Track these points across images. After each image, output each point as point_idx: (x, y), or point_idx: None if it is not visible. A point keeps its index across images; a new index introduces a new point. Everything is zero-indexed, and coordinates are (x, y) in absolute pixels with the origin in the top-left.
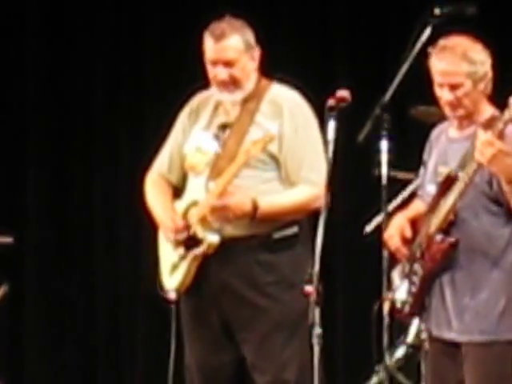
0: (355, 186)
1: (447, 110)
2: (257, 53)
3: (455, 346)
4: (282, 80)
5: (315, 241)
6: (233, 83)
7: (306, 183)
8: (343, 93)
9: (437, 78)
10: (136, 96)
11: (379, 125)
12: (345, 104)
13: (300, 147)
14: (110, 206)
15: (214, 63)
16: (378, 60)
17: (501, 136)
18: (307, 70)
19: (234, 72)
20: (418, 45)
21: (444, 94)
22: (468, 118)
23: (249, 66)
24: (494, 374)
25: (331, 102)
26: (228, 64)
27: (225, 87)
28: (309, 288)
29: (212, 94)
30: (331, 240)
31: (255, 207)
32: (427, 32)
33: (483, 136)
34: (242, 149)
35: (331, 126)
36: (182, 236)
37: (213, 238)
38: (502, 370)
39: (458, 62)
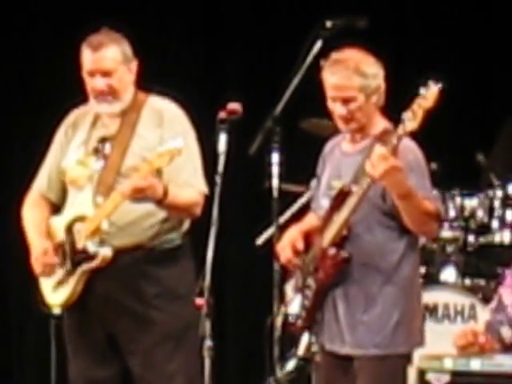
0: (246, 199)
1: (340, 124)
2: (134, 65)
3: (348, 359)
4: (159, 93)
5: (206, 253)
6: (111, 94)
7: (188, 187)
8: (234, 105)
9: (329, 92)
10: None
11: (270, 137)
12: (236, 117)
13: (180, 156)
14: None
15: (92, 74)
16: (270, 73)
17: (394, 151)
18: (198, 83)
19: (111, 82)
20: (310, 58)
21: (337, 108)
22: (361, 132)
23: (126, 77)
24: None
25: (222, 114)
26: (106, 74)
27: (103, 98)
28: (200, 300)
29: (90, 109)
30: (222, 252)
31: (165, 193)
32: (318, 45)
33: (378, 150)
34: (145, 160)
35: (222, 138)
36: (53, 260)
37: (106, 252)
38: (394, 382)
39: (350, 76)
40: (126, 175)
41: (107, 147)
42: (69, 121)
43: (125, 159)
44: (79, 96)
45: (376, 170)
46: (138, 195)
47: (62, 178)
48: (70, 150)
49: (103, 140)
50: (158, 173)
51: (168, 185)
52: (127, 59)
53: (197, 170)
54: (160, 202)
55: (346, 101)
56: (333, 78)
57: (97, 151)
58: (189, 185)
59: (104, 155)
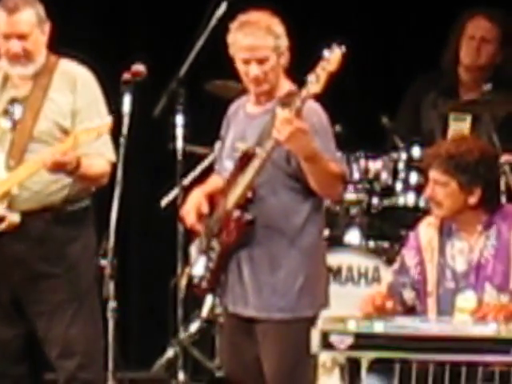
0: (150, 160)
1: (252, 86)
2: (47, 27)
3: (251, 322)
4: (69, 55)
5: (110, 215)
6: (26, 56)
7: (98, 156)
8: (139, 67)
9: (242, 54)
10: None
11: (175, 99)
12: (140, 78)
13: (91, 122)
14: None
15: (7, 36)
16: (174, 34)
17: (299, 114)
18: (103, 45)
19: (27, 45)
20: (214, 20)
21: (252, 70)
22: (267, 94)
23: (40, 39)
24: (292, 350)
25: (126, 76)
26: (21, 37)
27: (18, 61)
28: (103, 262)
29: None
30: (126, 214)
31: (78, 164)
32: (223, 7)
33: (281, 114)
34: (72, 134)
35: (126, 99)
36: None
37: (14, 218)
38: (300, 346)
39: (264, 37)
40: (38, 139)
41: (17, 109)
42: None
43: (37, 123)
44: None
45: (281, 134)
46: (57, 168)
47: None
48: None
49: (13, 101)
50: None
51: (81, 157)
52: (41, 21)
53: (106, 139)
54: (71, 174)
55: (260, 61)
56: (246, 39)
57: (6, 113)
58: (99, 153)
59: (14, 117)
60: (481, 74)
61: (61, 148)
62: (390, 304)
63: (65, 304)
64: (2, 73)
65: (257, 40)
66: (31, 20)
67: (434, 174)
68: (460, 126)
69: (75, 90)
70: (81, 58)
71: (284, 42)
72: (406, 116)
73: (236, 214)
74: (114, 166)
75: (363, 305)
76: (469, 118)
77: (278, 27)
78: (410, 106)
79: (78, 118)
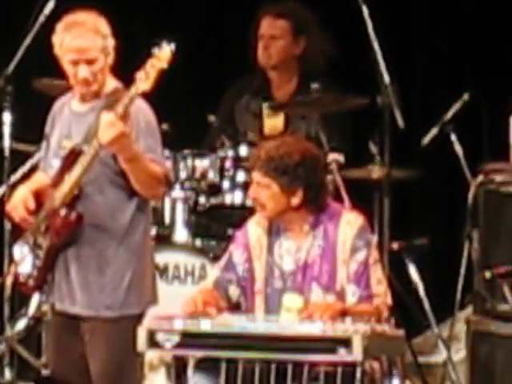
0: None
1: (81, 87)
2: None
3: (78, 319)
4: None
5: None
6: None
7: None
8: None
9: (70, 55)
10: None
11: (2, 97)
12: None
13: None
14: None
15: None
16: (1, 31)
17: (123, 116)
18: None
19: None
20: (42, 17)
21: (81, 71)
22: (93, 92)
23: None
24: (119, 348)
25: None
26: None
27: None
28: None
29: None
30: None
31: None
32: (51, 4)
33: (106, 117)
34: None
35: None
36: None
37: None
38: (127, 344)
39: (92, 38)
40: None
41: None
42: None
43: None
44: None
45: (104, 137)
46: None
47: None
48: None
49: None
50: None
51: None
52: None
53: None
54: None
55: (89, 62)
56: (75, 41)
57: None
58: None
59: None
60: (284, 71)
61: None
62: (212, 311)
63: None
64: None
65: (86, 41)
66: None
67: (256, 176)
68: (274, 121)
69: None
70: None
71: (111, 42)
72: (223, 117)
73: (63, 211)
74: None
75: (186, 306)
76: (282, 114)
77: (105, 27)
78: (223, 112)
79: None
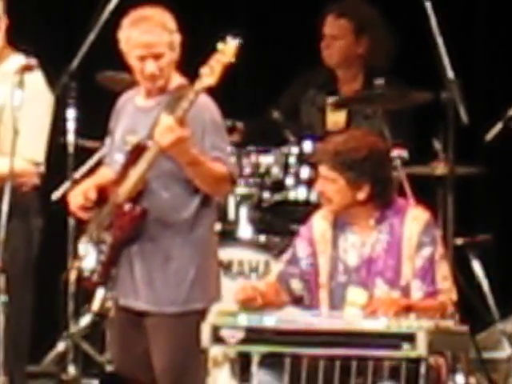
0: None
1: (147, 82)
2: (3, 23)
3: (142, 315)
4: (26, 52)
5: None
6: None
7: (20, 156)
8: (30, 60)
9: (137, 51)
10: None
11: (66, 93)
12: (31, 71)
13: (24, 119)
14: None
15: None
16: (65, 27)
17: (182, 121)
18: None
19: None
20: (105, 13)
21: (148, 66)
22: (159, 88)
23: None
24: (182, 344)
25: (17, 69)
26: None
27: None
28: None
29: None
30: None
31: None
32: (115, 0)
33: (165, 121)
34: None
35: (17, 94)
36: None
37: None
38: (190, 340)
39: (159, 33)
40: None
41: None
42: None
43: None
44: None
45: (163, 141)
46: None
47: None
48: None
49: None
50: None
51: None
52: None
53: (37, 139)
54: None
55: (156, 57)
56: (143, 36)
57: None
58: (21, 155)
59: None
60: (347, 69)
61: None
62: (259, 300)
63: None
64: None
65: (153, 37)
66: None
67: (322, 170)
68: (336, 117)
69: (6, 85)
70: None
71: (177, 38)
72: (286, 111)
73: (127, 206)
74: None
75: (237, 294)
76: (344, 111)
77: (171, 23)
78: (291, 102)
79: (5, 114)
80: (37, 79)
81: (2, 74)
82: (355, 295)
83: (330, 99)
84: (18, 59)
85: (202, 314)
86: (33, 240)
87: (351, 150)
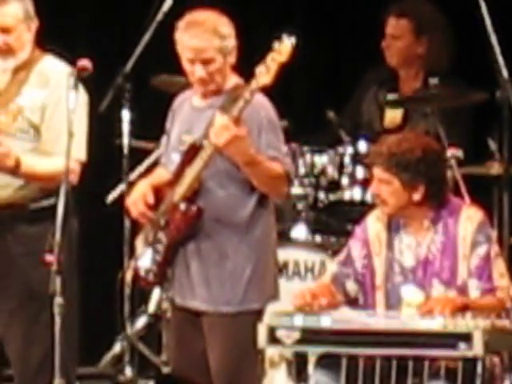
0: (97, 156)
1: (198, 86)
2: (34, 24)
3: (198, 315)
4: (56, 53)
5: (56, 210)
6: (7, 50)
7: (63, 155)
8: (84, 62)
9: (187, 54)
10: None
11: (121, 94)
12: (86, 73)
13: (61, 119)
14: None
15: None
16: (119, 29)
17: (238, 120)
18: (47, 38)
19: (9, 39)
20: (160, 15)
21: (196, 70)
22: (213, 90)
23: (25, 35)
24: (238, 344)
25: (72, 71)
26: (5, 30)
27: None
28: (50, 257)
29: None
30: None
31: (18, 164)
32: (169, 2)
33: (220, 120)
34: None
35: (72, 95)
36: None
37: None
38: (246, 340)
39: (209, 38)
40: (7, 133)
41: None
42: None
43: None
44: None
45: (219, 140)
46: None
47: None
48: None
49: None
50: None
51: (20, 156)
52: (28, 17)
53: (76, 138)
54: (13, 173)
55: (205, 62)
56: (192, 40)
57: None
58: (60, 152)
59: None
60: (408, 69)
61: None
62: (324, 301)
63: (25, 303)
64: None
65: (202, 42)
66: (18, 14)
67: (377, 172)
68: (394, 114)
69: (48, 86)
70: (68, 56)
71: (231, 43)
72: (351, 110)
73: (183, 206)
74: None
75: (295, 299)
76: (402, 109)
77: (225, 28)
78: (355, 101)
79: (46, 114)
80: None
81: (37, 74)
82: (412, 296)
83: (389, 97)
84: (51, 61)
85: (257, 314)
86: (72, 241)
87: (405, 151)
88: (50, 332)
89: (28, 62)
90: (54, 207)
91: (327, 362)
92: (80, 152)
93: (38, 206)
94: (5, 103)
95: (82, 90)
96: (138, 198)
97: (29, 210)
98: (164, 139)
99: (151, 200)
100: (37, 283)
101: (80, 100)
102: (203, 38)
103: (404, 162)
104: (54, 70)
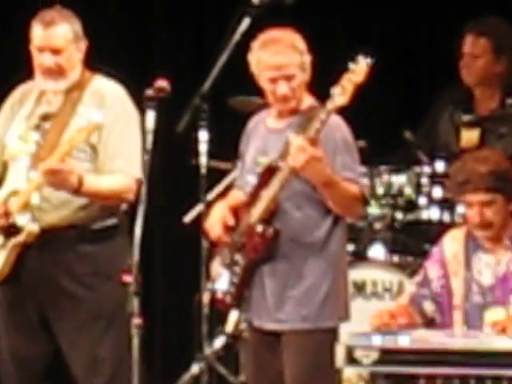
0: (174, 176)
1: (279, 104)
2: (83, 44)
3: (275, 336)
4: (105, 72)
5: (134, 231)
6: (58, 72)
7: (121, 173)
8: (162, 83)
9: (268, 73)
10: None
11: (198, 115)
12: (164, 94)
13: (117, 138)
14: None
15: (41, 50)
16: (196, 49)
17: (314, 141)
18: (127, 60)
19: (60, 60)
20: (237, 35)
21: (280, 88)
22: (290, 109)
23: (75, 56)
24: (314, 361)
25: (150, 92)
26: (55, 52)
27: (50, 75)
28: (128, 278)
29: (35, 85)
30: (150, 230)
31: (80, 182)
32: (246, 22)
33: (295, 141)
34: (66, 137)
35: (150, 116)
36: (1, 222)
37: (32, 227)
38: (322, 357)
39: (290, 54)
40: None
41: (48, 124)
42: (15, 96)
43: (62, 137)
44: (25, 71)
45: (295, 162)
46: (55, 178)
47: (3, 152)
48: (13, 125)
49: (45, 117)
50: (94, 151)
51: (83, 175)
52: (77, 38)
53: (132, 156)
54: (75, 192)
55: (287, 79)
56: (274, 57)
57: (38, 127)
58: (122, 171)
59: (44, 132)
60: (485, 88)
61: (56, 155)
62: (402, 320)
63: (90, 323)
64: (38, 89)
65: (284, 58)
66: (67, 35)
67: (478, 197)
68: (471, 134)
69: (103, 105)
70: (116, 75)
71: (307, 58)
72: (427, 130)
73: (260, 228)
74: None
75: (372, 319)
76: (478, 129)
77: (301, 43)
78: (431, 120)
79: (104, 134)
80: (122, 95)
81: (91, 94)
82: (495, 315)
83: (465, 117)
84: (102, 80)
85: (332, 333)
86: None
87: (498, 164)
88: (112, 355)
89: (80, 83)
90: (116, 226)
91: (404, 382)
92: (136, 169)
93: (102, 225)
94: (63, 123)
95: (132, 107)
96: (217, 220)
97: (91, 229)
98: (239, 162)
99: (231, 222)
100: (103, 301)
101: (133, 118)
102: (285, 54)
103: (503, 174)
104: (109, 89)
